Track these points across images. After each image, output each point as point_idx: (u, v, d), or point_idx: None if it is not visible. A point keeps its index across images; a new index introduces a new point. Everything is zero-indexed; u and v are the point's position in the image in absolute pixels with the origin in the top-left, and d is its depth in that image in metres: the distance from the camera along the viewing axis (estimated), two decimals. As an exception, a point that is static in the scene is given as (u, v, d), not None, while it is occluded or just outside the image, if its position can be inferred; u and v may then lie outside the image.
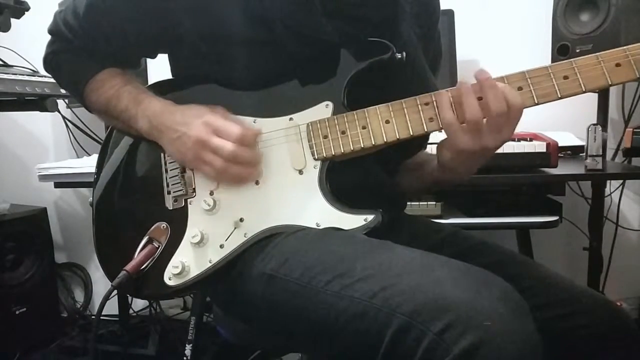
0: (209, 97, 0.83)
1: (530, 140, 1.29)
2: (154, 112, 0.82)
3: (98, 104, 0.88)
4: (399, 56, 0.79)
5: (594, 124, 1.30)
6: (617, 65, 0.70)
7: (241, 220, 0.80)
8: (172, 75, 0.92)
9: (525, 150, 1.24)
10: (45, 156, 2.21)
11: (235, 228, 0.80)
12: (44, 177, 1.53)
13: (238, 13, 0.78)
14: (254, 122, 0.82)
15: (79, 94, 0.89)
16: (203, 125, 0.77)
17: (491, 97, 0.70)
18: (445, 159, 0.79)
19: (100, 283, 2.22)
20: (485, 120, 0.71)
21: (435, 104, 0.75)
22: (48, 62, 0.91)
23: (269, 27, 0.78)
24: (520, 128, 1.48)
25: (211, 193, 0.82)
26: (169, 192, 0.85)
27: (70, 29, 0.85)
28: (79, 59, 0.88)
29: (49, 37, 0.90)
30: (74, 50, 0.88)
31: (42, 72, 1.41)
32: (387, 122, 0.77)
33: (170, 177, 0.85)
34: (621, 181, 1.77)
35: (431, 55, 0.95)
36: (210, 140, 0.76)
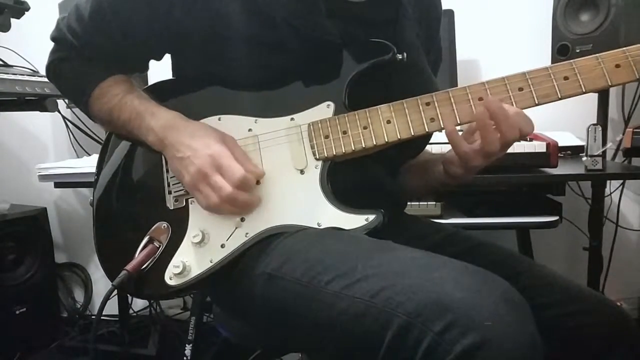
0: (210, 97, 0.83)
1: (530, 140, 1.29)
2: (160, 126, 0.81)
3: (101, 114, 0.88)
4: (400, 57, 0.79)
5: (594, 124, 1.31)
6: (617, 66, 0.70)
7: (242, 220, 0.80)
8: (174, 76, 0.92)
9: (525, 150, 1.24)
10: (45, 156, 2.21)
11: (236, 228, 0.80)
12: (44, 177, 1.53)
13: (241, 12, 0.78)
14: (255, 122, 0.82)
15: (83, 103, 0.88)
16: (209, 157, 0.76)
17: (506, 128, 0.73)
18: (456, 173, 0.82)
19: (100, 283, 2.22)
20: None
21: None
22: (51, 71, 0.90)
23: (271, 26, 0.78)
24: (521, 128, 1.47)
25: (212, 193, 0.82)
26: (170, 192, 0.85)
27: (75, 35, 0.84)
28: (83, 66, 0.88)
29: (49, 36, 0.89)
30: (78, 57, 0.87)
31: (42, 72, 1.41)
32: (389, 122, 0.77)
33: (171, 177, 0.85)
34: (621, 181, 1.77)
35: (432, 56, 0.95)
36: (212, 176, 0.75)
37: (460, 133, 0.78)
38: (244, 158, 0.79)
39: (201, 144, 0.77)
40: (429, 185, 0.93)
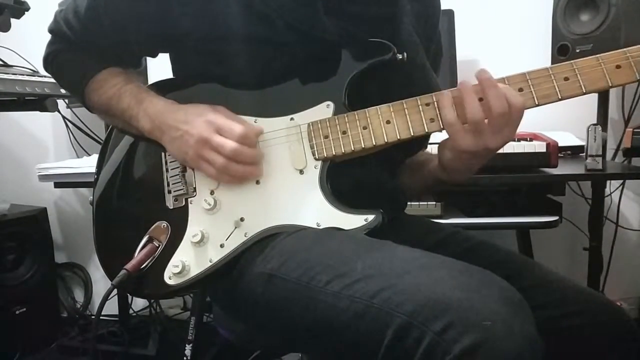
0: (210, 96, 0.83)
1: (530, 140, 1.29)
2: (155, 111, 0.82)
3: (99, 104, 0.88)
4: (400, 57, 0.79)
5: (594, 124, 1.31)
6: (618, 67, 0.70)
7: (242, 219, 0.80)
8: (173, 75, 0.92)
9: (525, 150, 1.24)
10: (45, 156, 2.21)
11: (235, 227, 0.80)
12: (44, 177, 1.53)
13: (240, 11, 0.78)
14: (255, 121, 0.82)
15: (80, 93, 0.89)
16: (205, 123, 0.77)
17: (492, 97, 0.70)
18: (446, 159, 0.79)
19: (100, 283, 2.22)
20: (486, 120, 0.71)
21: (436, 104, 0.75)
22: (49, 62, 0.91)
23: (270, 25, 0.78)
24: (520, 128, 1.47)
25: (212, 192, 0.82)
26: (169, 192, 0.85)
27: (71, 28, 0.85)
28: (80, 58, 0.89)
29: (49, 36, 0.90)
30: (74, 49, 0.88)
31: (42, 72, 1.41)
32: (388, 122, 0.77)
33: (171, 177, 0.85)
34: (621, 181, 1.77)
35: (432, 55, 0.95)
36: (212, 138, 0.76)
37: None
38: (239, 119, 0.79)
39: (195, 114, 0.79)
40: (426, 182, 0.93)
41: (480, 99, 0.72)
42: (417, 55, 0.86)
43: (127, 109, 0.84)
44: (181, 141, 0.79)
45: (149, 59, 0.97)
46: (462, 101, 0.72)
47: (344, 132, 0.78)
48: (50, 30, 0.89)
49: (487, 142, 0.73)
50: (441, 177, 0.86)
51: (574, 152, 1.58)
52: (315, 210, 0.77)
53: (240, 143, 0.76)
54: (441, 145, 0.80)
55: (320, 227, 0.77)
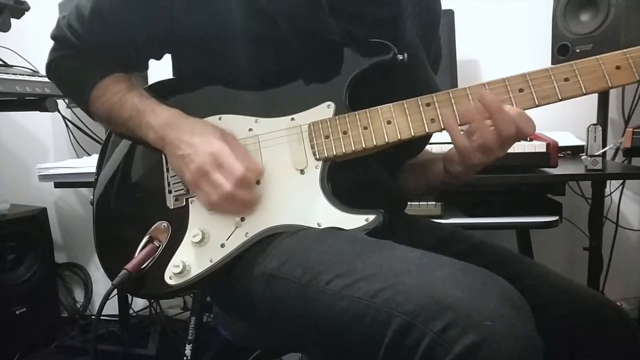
0: (211, 97, 0.84)
1: (530, 140, 1.29)
2: (160, 124, 0.81)
3: (101, 112, 0.87)
4: (401, 57, 0.79)
5: (594, 124, 1.31)
6: (617, 68, 0.70)
7: (242, 219, 0.80)
8: (174, 75, 0.92)
9: (525, 150, 1.24)
10: (45, 156, 2.21)
11: (236, 227, 0.80)
12: (44, 177, 1.53)
13: (242, 11, 0.78)
14: (256, 121, 0.82)
15: (84, 101, 0.88)
16: (209, 155, 0.76)
17: (500, 122, 0.72)
18: (455, 171, 0.81)
19: (100, 283, 2.22)
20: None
21: (442, 123, 0.76)
22: (52, 69, 0.90)
23: (273, 25, 0.78)
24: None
25: (212, 193, 0.82)
26: (170, 191, 0.85)
27: (75, 34, 0.84)
28: (83, 65, 0.88)
29: (49, 36, 0.89)
30: (78, 56, 0.87)
31: (42, 72, 1.41)
32: (389, 122, 0.77)
33: (171, 176, 0.85)
34: (621, 181, 1.77)
35: (432, 56, 0.95)
36: (212, 174, 0.75)
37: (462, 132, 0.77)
38: (245, 156, 0.78)
39: (201, 141, 0.77)
40: (429, 184, 0.93)
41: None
42: (417, 56, 0.86)
43: (129, 119, 0.84)
44: (182, 161, 0.78)
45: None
46: (475, 127, 0.74)
47: (345, 132, 0.78)
48: (53, 37, 0.88)
49: (496, 155, 0.76)
50: (448, 181, 0.88)
51: (574, 152, 1.59)
52: (315, 210, 0.77)
53: (238, 187, 0.75)
54: (449, 158, 0.81)
55: (321, 227, 0.77)
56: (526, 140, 1.29)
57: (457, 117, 0.75)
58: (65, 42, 0.86)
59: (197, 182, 0.77)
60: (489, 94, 0.73)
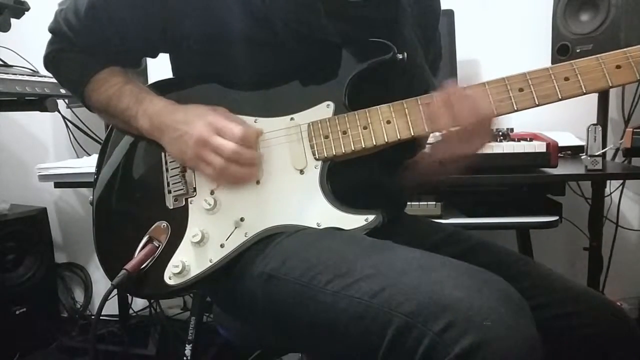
0: (210, 96, 0.83)
1: (530, 140, 1.29)
2: (155, 111, 0.82)
3: (99, 103, 0.88)
4: (400, 57, 0.79)
5: (594, 124, 1.31)
6: (618, 67, 0.70)
7: (242, 219, 0.80)
8: (173, 75, 0.92)
9: (525, 150, 1.24)
10: (45, 156, 2.21)
11: (235, 227, 0.80)
12: (44, 177, 1.53)
13: (240, 12, 0.78)
14: (255, 121, 0.82)
15: (80, 93, 0.89)
16: (205, 124, 0.77)
17: (457, 106, 0.73)
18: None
19: (100, 283, 2.22)
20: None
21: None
22: (49, 61, 0.91)
23: (270, 27, 0.78)
24: (521, 128, 1.48)
25: (212, 192, 0.82)
26: (169, 192, 0.85)
27: (71, 28, 0.85)
28: (80, 58, 0.88)
29: (49, 36, 0.90)
30: (74, 49, 0.88)
31: (42, 72, 1.41)
32: (388, 122, 0.77)
33: (171, 177, 0.85)
34: (621, 181, 1.77)
35: (431, 56, 0.95)
36: (212, 139, 0.76)
37: None
38: (239, 120, 0.79)
39: (194, 115, 0.79)
40: (422, 176, 0.93)
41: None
42: (417, 55, 0.86)
43: (126, 109, 0.84)
44: (180, 141, 0.79)
45: (149, 59, 0.97)
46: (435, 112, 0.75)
47: (344, 132, 0.78)
48: (51, 30, 0.89)
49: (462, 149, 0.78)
50: (438, 171, 0.89)
51: (574, 152, 1.58)
52: (315, 210, 0.77)
53: (240, 145, 0.76)
54: (435, 148, 0.83)
55: (321, 227, 0.77)
56: (526, 140, 1.30)
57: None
58: (62, 35, 0.87)
59: (199, 153, 0.77)
60: (451, 82, 0.74)
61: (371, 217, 0.75)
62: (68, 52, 0.89)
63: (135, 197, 0.88)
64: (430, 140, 0.87)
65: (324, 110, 0.80)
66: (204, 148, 0.77)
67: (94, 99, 0.88)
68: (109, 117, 0.90)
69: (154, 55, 0.92)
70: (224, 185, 0.81)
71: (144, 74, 1.62)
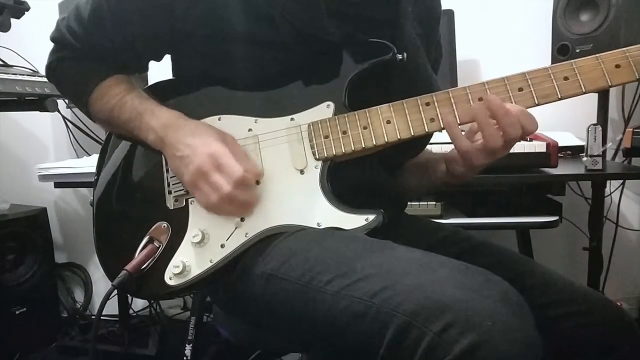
0: (210, 97, 0.84)
1: (530, 140, 1.29)
2: (160, 125, 0.81)
3: (101, 114, 0.87)
4: (400, 57, 0.79)
5: (594, 124, 1.31)
6: (617, 66, 0.70)
7: (242, 220, 0.80)
8: (174, 76, 0.92)
9: (525, 150, 1.24)
10: (45, 156, 2.21)
11: (236, 228, 0.80)
12: (44, 177, 1.53)
13: (241, 12, 0.78)
14: (255, 122, 0.82)
15: (83, 103, 0.88)
16: (208, 156, 0.75)
17: (507, 125, 0.72)
18: (458, 172, 0.82)
19: (100, 283, 2.22)
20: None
21: (442, 122, 0.75)
22: (51, 71, 0.90)
23: (272, 26, 0.78)
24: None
25: (212, 193, 0.82)
26: (170, 192, 0.85)
27: (75, 36, 0.84)
28: (83, 67, 0.88)
29: (49, 36, 0.89)
30: (77, 57, 0.87)
31: (42, 72, 1.41)
32: (389, 122, 0.77)
33: (171, 177, 0.85)
34: (621, 181, 1.77)
35: (432, 56, 0.95)
36: (211, 175, 0.75)
37: (462, 133, 0.78)
38: (244, 157, 0.78)
39: (201, 142, 0.77)
40: (430, 184, 0.93)
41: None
42: (417, 55, 0.86)
43: (128, 121, 0.83)
44: (180, 162, 0.78)
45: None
46: (481, 129, 0.74)
47: (345, 132, 0.78)
48: (53, 39, 0.88)
49: (500, 156, 0.76)
50: (449, 181, 0.88)
51: (574, 152, 1.58)
52: (315, 210, 0.77)
53: (237, 188, 0.75)
54: (450, 160, 0.82)
55: (321, 227, 0.77)
56: (526, 140, 1.30)
57: (457, 117, 0.75)
58: (65, 43, 0.86)
59: (196, 183, 0.77)
60: (495, 98, 0.72)
61: (371, 217, 0.75)
62: (71, 61, 0.88)
63: (135, 197, 0.88)
64: (443, 150, 0.86)
65: (324, 110, 0.80)
66: (200, 179, 0.76)
67: (97, 109, 0.87)
68: (111, 127, 0.90)
69: (160, 58, 0.91)
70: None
71: (144, 75, 1.62)
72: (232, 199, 0.75)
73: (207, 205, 0.78)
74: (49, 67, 0.90)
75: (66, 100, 1.84)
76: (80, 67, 0.88)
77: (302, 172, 0.79)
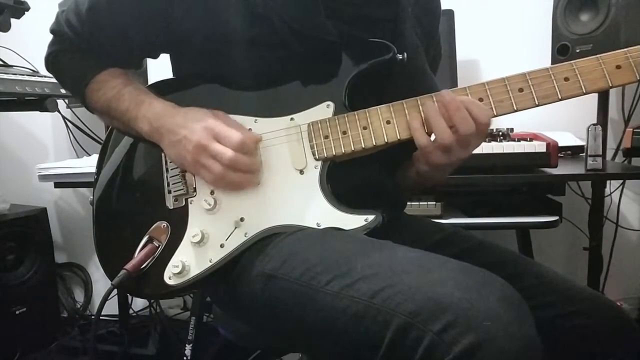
0: (210, 97, 0.84)
1: (530, 140, 1.29)
2: (154, 114, 0.81)
3: (99, 105, 0.88)
4: (400, 57, 0.79)
5: (594, 124, 1.30)
6: (618, 67, 0.70)
7: (242, 219, 0.80)
8: (173, 75, 0.92)
9: (525, 150, 1.24)
10: (45, 156, 2.22)
11: (235, 228, 0.80)
12: (44, 177, 1.53)
13: (240, 12, 0.78)
14: (255, 121, 0.82)
15: (81, 94, 0.89)
16: (204, 130, 0.77)
17: (458, 120, 0.72)
18: (422, 170, 0.82)
19: (100, 283, 2.22)
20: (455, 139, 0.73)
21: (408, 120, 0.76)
22: (50, 62, 0.91)
23: (271, 27, 0.78)
24: (521, 128, 1.48)
25: (212, 192, 0.82)
26: (169, 192, 0.85)
27: (73, 29, 0.85)
28: (81, 59, 0.88)
29: (49, 36, 0.90)
30: (76, 50, 0.88)
31: (42, 72, 1.41)
32: (388, 122, 0.77)
33: (171, 177, 0.85)
34: (621, 181, 1.77)
35: (431, 56, 0.95)
36: (211, 145, 0.76)
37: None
38: (238, 126, 0.79)
39: (194, 120, 0.78)
40: (405, 182, 0.93)
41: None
42: (417, 56, 0.86)
43: (126, 112, 0.84)
44: (179, 146, 0.79)
45: (149, 59, 0.97)
46: (430, 124, 0.74)
47: (344, 132, 0.78)
48: (52, 31, 0.89)
49: (458, 155, 0.75)
50: (419, 181, 0.89)
51: (574, 152, 1.58)
52: (315, 211, 0.77)
53: (239, 151, 0.76)
54: (415, 158, 0.81)
55: (321, 227, 0.77)
56: (526, 140, 1.30)
57: (423, 120, 0.75)
58: (63, 36, 0.87)
59: (198, 158, 0.77)
60: (447, 93, 0.73)
61: (371, 217, 0.75)
62: (69, 53, 0.89)
63: (135, 197, 0.88)
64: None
65: (324, 110, 0.80)
66: (202, 154, 0.77)
67: (94, 100, 0.88)
68: (109, 119, 0.90)
69: (156, 56, 0.92)
70: (222, 190, 0.81)
71: (144, 74, 1.63)
72: (235, 164, 0.76)
73: (213, 177, 0.78)
74: (47, 59, 0.91)
75: (66, 100, 1.85)
76: (77, 60, 0.89)
77: (301, 172, 0.79)
